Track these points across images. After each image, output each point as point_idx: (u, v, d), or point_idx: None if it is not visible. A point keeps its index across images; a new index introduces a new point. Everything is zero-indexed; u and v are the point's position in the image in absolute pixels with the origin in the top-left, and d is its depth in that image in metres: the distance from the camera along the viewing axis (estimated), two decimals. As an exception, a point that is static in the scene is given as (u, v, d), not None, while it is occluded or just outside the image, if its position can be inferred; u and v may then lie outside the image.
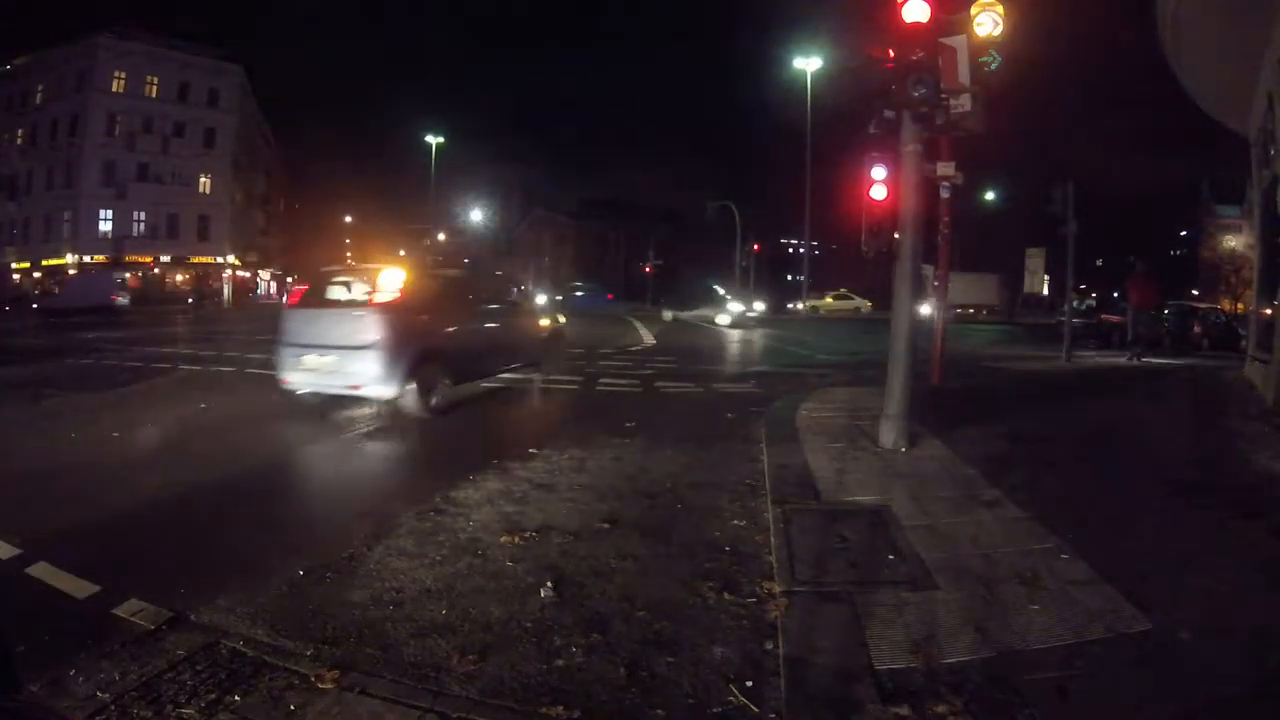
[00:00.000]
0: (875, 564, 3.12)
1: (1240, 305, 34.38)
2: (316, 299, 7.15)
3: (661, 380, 9.44)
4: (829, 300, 41.87)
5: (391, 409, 6.73)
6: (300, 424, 6.59)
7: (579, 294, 36.50)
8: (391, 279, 6.83)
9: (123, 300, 23.94)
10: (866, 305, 40.52)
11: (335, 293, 7.08)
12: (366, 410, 7.01)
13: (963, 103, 5.44)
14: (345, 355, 6.46)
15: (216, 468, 4.96)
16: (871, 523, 3.64)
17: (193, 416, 6.83)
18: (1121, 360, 12.30)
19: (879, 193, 5.78)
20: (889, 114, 5.17)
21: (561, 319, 10.24)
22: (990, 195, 39.75)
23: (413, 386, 6.57)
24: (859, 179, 5.98)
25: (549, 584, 2.99)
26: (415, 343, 6.64)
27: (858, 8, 5.71)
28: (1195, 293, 43.73)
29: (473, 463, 4.94)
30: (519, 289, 10.18)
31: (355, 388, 6.47)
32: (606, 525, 3.75)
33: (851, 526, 3.58)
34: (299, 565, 3.17)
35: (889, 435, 5.25)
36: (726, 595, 2.93)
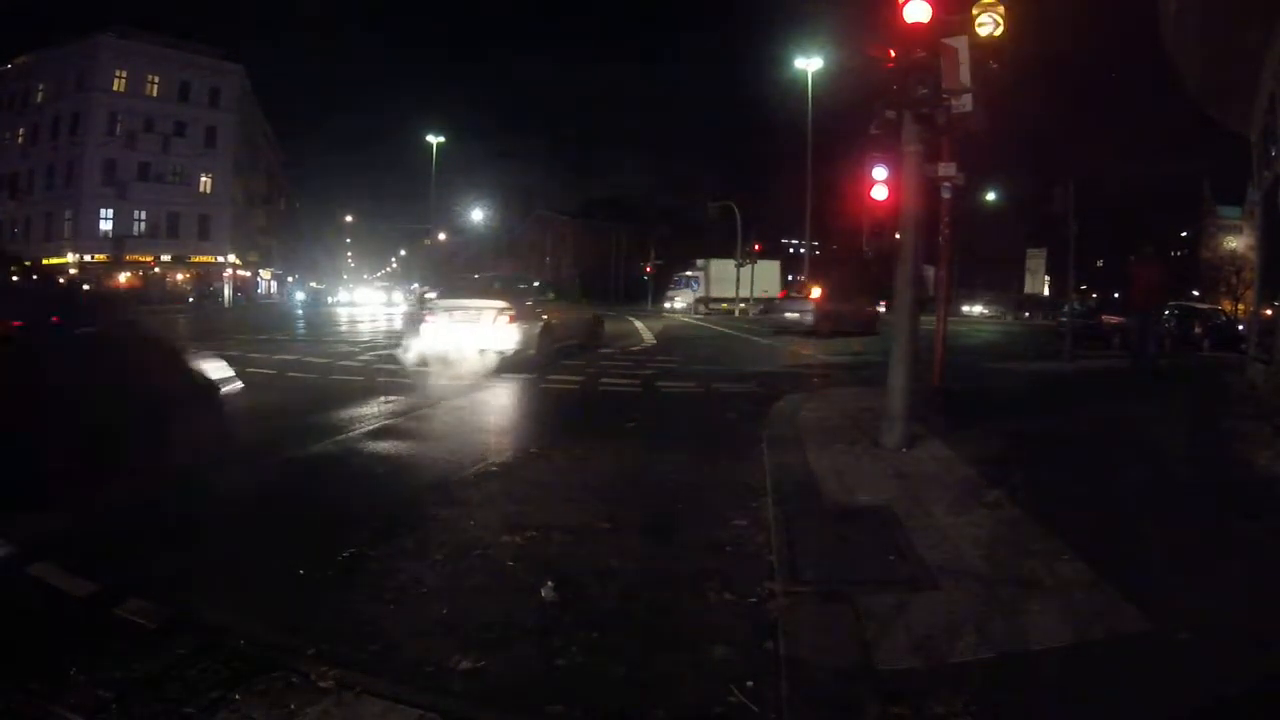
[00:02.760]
0: (876, 564, 3.12)
1: (1241, 306, 34.37)
2: (790, 296, 21.39)
3: (662, 380, 9.45)
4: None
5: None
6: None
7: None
8: (815, 289, 19.33)
9: None
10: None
11: (799, 293, 20.73)
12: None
13: (964, 103, 5.44)
14: (803, 314, 18.53)
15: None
16: (872, 523, 3.64)
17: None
18: (1122, 363, 12.09)
19: (880, 193, 5.79)
20: (890, 114, 5.16)
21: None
22: (991, 196, 39.53)
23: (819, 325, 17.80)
24: (860, 179, 5.99)
25: (550, 583, 2.99)
26: (824, 312, 18.05)
27: (859, 7, 5.71)
28: (1196, 293, 43.65)
29: (473, 462, 4.94)
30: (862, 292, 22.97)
31: (800, 323, 18.33)
32: (607, 525, 3.75)
33: (853, 526, 3.58)
34: (301, 556, 3.17)
35: (890, 435, 5.24)
36: (727, 595, 2.93)
